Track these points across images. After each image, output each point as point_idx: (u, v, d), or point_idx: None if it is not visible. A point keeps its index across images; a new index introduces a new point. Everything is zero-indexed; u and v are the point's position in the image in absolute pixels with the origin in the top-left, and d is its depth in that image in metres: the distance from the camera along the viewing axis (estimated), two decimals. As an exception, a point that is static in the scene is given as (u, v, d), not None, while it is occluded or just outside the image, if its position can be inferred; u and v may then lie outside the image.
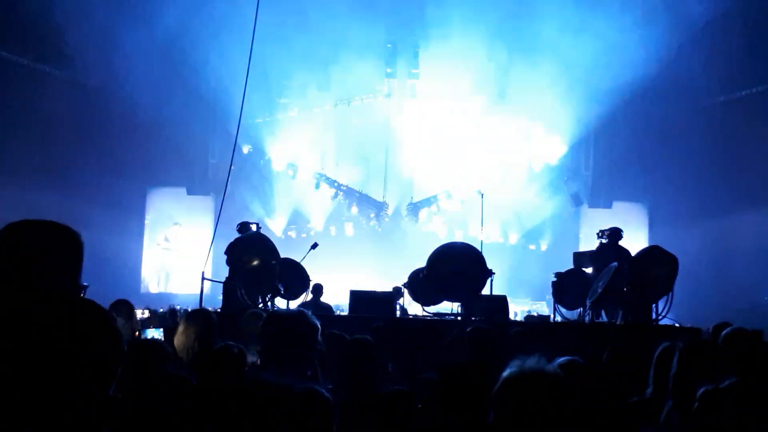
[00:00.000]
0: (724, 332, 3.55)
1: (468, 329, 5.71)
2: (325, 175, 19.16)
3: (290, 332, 2.96)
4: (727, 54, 16.08)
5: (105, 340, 1.62)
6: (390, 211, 19.46)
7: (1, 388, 1.52)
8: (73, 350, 1.56)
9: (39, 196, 15.31)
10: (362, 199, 19.30)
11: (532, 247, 19.73)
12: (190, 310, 7.00)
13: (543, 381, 2.01)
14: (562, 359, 3.69)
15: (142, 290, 18.44)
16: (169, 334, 5.78)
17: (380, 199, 19.32)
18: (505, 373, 2.06)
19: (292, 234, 18.83)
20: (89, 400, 1.59)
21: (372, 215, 19.35)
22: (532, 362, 2.07)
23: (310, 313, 3.10)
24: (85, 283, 2.20)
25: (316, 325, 2.99)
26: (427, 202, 19.34)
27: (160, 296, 17.57)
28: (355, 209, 19.31)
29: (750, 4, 15.87)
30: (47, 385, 1.53)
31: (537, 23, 16.72)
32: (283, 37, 16.24)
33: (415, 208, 19.36)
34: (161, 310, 13.80)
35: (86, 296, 2.31)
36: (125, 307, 6.63)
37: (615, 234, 10.57)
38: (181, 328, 4.36)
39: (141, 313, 10.73)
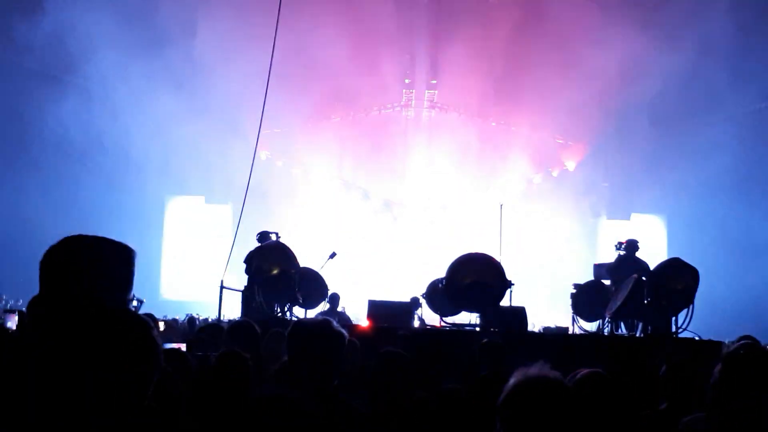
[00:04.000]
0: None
1: (479, 344, 5.64)
2: (344, 182, 19.17)
3: (316, 342, 2.95)
4: (747, 66, 15.99)
5: (146, 351, 1.65)
6: (408, 221, 19.44)
7: (45, 395, 1.55)
8: (116, 360, 1.59)
9: (57, 206, 15.45)
10: (380, 208, 19.28)
11: (552, 258, 19.56)
12: (231, 321, 7.01)
13: (546, 388, 2.02)
14: (584, 371, 3.68)
15: (161, 299, 18.50)
16: (190, 344, 5.80)
17: (398, 209, 19.32)
18: (510, 382, 2.08)
19: (310, 242, 18.79)
20: (128, 408, 1.62)
21: (390, 222, 19.34)
22: (535, 370, 2.08)
23: (335, 321, 3.09)
24: (142, 299, 2.24)
25: (342, 334, 2.99)
26: (446, 213, 19.29)
27: (179, 305, 17.63)
28: (373, 218, 19.30)
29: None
30: (89, 393, 1.56)
31: (556, 34, 16.67)
32: (301, 47, 16.31)
33: (433, 219, 19.32)
34: (177, 317, 13.88)
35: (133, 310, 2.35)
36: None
37: (632, 246, 10.54)
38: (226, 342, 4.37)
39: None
